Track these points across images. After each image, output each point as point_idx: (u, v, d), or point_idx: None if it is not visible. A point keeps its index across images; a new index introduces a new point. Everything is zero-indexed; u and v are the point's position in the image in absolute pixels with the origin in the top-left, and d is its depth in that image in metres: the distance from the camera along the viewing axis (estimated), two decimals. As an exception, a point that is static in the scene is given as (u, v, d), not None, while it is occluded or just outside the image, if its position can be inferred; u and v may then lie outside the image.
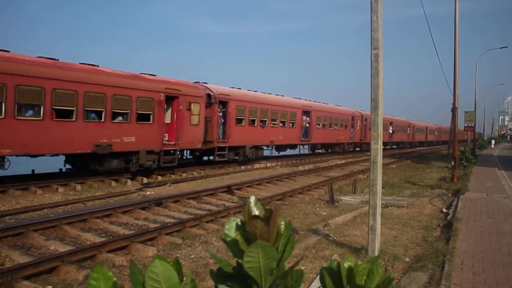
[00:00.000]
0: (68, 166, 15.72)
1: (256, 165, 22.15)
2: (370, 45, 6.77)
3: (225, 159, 20.54)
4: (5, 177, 13.88)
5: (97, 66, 14.86)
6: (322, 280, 1.15)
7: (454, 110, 18.90)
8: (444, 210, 10.76)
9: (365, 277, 1.13)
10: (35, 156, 13.22)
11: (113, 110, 14.57)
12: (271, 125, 24.08)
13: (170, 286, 0.95)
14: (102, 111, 14.20)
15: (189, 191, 12.79)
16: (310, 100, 29.78)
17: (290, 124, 26.10)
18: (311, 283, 5.46)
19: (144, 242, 7.60)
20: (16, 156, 12.49)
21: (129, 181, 14.79)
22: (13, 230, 7.68)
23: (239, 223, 1.12)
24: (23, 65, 12.14)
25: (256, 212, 1.10)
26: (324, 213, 10.66)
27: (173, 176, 16.96)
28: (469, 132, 36.20)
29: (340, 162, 25.86)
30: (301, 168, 22.21)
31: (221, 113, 20.48)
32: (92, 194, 12.42)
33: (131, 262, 1.04)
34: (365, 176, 19.04)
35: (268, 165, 22.58)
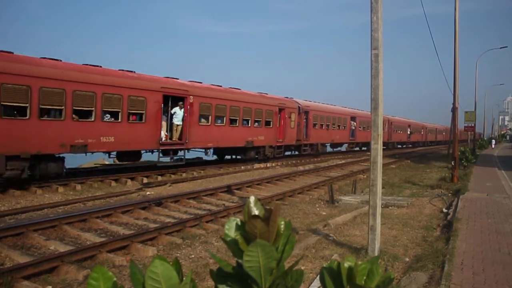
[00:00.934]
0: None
1: (256, 165, 22.17)
2: (370, 45, 6.77)
3: (306, 152, 28.84)
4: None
5: (239, 89, 22.67)
6: (322, 280, 1.15)
7: (454, 110, 18.89)
8: (444, 210, 10.76)
9: (365, 277, 1.13)
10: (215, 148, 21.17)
11: (254, 119, 22.73)
12: (332, 128, 32.29)
13: (170, 286, 0.95)
14: (249, 119, 22.45)
15: (189, 191, 12.79)
16: (354, 109, 38.68)
17: (343, 127, 34.48)
18: (311, 283, 5.46)
19: (144, 242, 7.59)
20: (212, 148, 20.97)
21: (129, 181, 14.80)
22: (13, 230, 7.68)
23: (239, 223, 1.12)
24: (219, 92, 20.51)
25: (256, 212, 1.10)
26: (324, 213, 10.66)
27: (173, 176, 16.96)
28: (469, 132, 36.20)
29: (340, 162, 25.86)
30: (301, 168, 22.21)
31: (304, 119, 28.13)
32: (92, 194, 12.42)
33: (131, 262, 1.04)
34: (365, 176, 19.03)
35: (268, 165, 22.59)
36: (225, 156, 23.69)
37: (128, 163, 17.94)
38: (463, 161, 21.22)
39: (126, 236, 7.65)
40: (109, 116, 14.61)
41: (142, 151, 16.89)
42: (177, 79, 18.29)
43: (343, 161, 26.81)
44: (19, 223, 8.34)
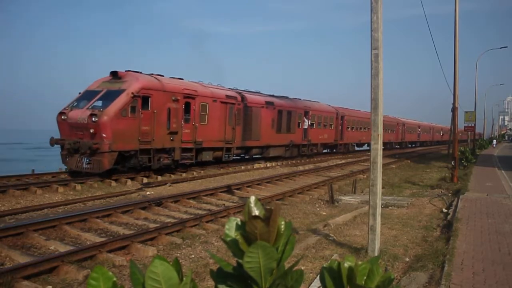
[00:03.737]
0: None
1: (256, 165, 22.16)
2: (370, 45, 6.77)
3: (403, 145, 52.90)
4: (5, 177, 13.90)
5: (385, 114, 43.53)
6: (322, 280, 1.15)
7: (454, 110, 18.89)
8: (444, 210, 10.76)
9: (365, 277, 1.13)
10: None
11: (391, 129, 45.65)
12: (409, 132, 54.73)
13: (170, 286, 0.95)
14: (389, 129, 44.14)
15: (189, 191, 12.79)
16: (416, 120, 63.43)
17: (411, 131, 57.04)
18: (311, 283, 5.46)
19: (144, 242, 7.59)
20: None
21: (129, 181, 14.79)
22: (13, 230, 7.67)
23: (239, 223, 1.11)
24: (387, 118, 44.48)
25: (256, 212, 1.10)
26: (324, 213, 10.66)
27: (173, 176, 16.95)
28: (469, 132, 36.22)
29: (340, 162, 25.86)
30: (301, 168, 22.21)
31: (401, 128, 50.42)
32: (92, 194, 12.41)
33: (131, 262, 1.04)
34: (365, 176, 19.03)
35: (268, 165, 22.58)
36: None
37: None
38: (463, 161, 21.22)
39: (126, 236, 7.64)
40: (359, 128, 37.81)
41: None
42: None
43: (343, 161, 26.81)
44: (19, 223, 8.33)
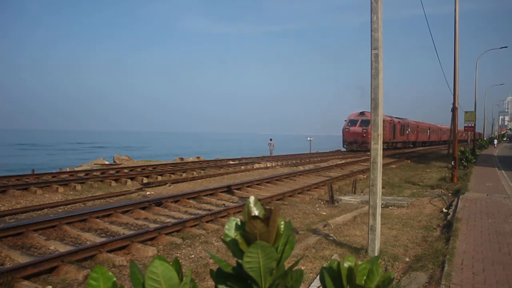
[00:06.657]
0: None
1: (256, 165, 22.18)
2: (370, 45, 6.77)
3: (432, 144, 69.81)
4: (5, 177, 13.92)
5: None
6: (322, 280, 1.15)
7: (454, 110, 18.89)
8: (444, 210, 10.76)
9: (365, 277, 1.13)
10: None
11: (431, 133, 68.16)
12: (443, 134, 71.22)
13: (170, 286, 0.95)
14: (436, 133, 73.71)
15: (189, 191, 12.79)
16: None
17: (444, 133, 70.69)
18: (311, 283, 5.46)
19: (144, 242, 7.59)
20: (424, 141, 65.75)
21: (129, 181, 14.81)
22: (13, 230, 7.67)
23: (239, 223, 1.11)
24: (430, 125, 68.52)
25: (256, 212, 1.10)
26: (324, 213, 10.66)
27: (173, 176, 16.97)
28: (469, 132, 36.24)
29: (340, 162, 25.86)
30: (301, 168, 22.21)
31: (439, 132, 70.95)
32: (92, 194, 12.42)
33: (131, 262, 1.04)
34: (365, 176, 19.03)
35: (268, 165, 22.60)
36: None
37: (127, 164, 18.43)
38: (463, 161, 21.22)
39: (126, 236, 7.64)
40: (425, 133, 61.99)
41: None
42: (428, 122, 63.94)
43: (343, 161, 26.80)
44: (19, 223, 8.33)
